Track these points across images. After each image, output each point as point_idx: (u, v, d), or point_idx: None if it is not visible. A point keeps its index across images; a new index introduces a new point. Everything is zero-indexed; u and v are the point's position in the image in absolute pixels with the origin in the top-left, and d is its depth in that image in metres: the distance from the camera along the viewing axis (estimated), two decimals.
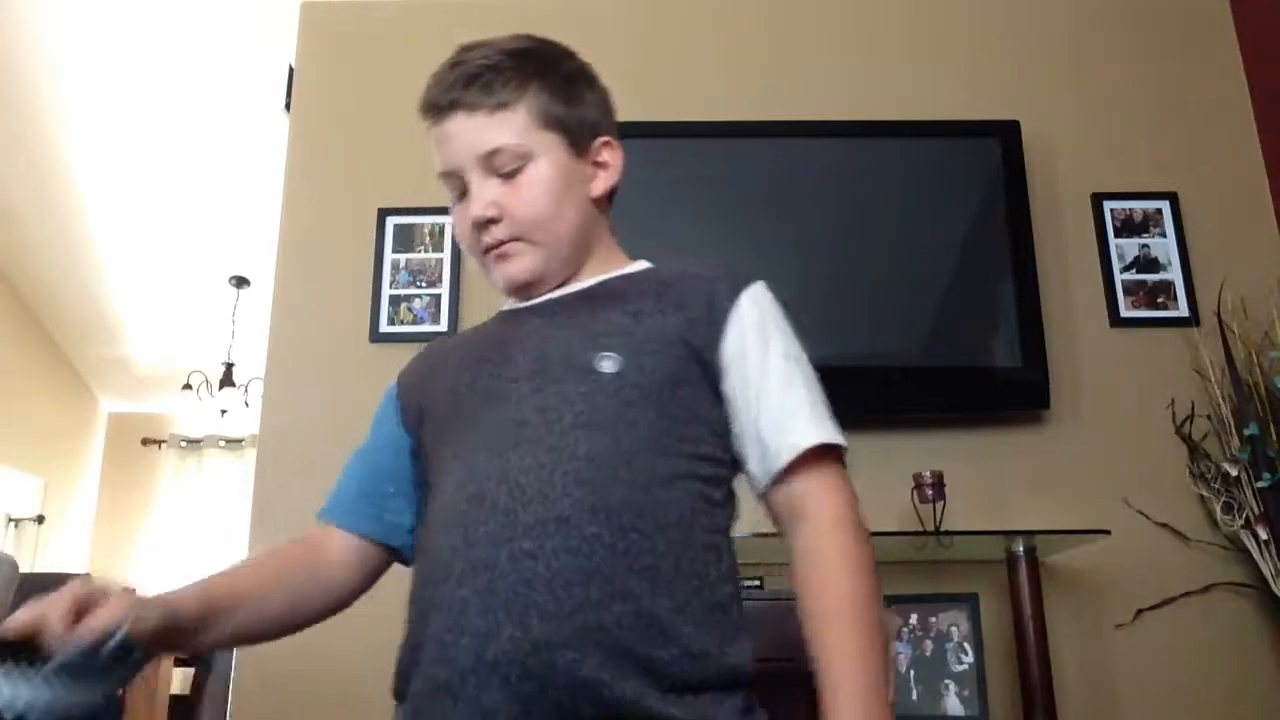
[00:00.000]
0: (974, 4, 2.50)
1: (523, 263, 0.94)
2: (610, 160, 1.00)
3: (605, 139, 1.00)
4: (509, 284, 0.96)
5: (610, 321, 0.90)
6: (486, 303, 1.00)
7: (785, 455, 0.86)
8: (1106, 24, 2.48)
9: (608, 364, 0.86)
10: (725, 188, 2.25)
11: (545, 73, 0.96)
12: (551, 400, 0.85)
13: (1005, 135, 2.27)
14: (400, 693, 0.85)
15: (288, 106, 2.46)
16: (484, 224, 0.93)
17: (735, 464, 0.90)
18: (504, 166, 0.93)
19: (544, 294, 0.97)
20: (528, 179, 0.93)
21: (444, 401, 0.94)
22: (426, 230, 2.30)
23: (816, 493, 0.87)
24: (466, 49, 0.96)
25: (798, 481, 0.86)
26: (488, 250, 0.95)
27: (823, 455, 0.87)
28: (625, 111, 2.55)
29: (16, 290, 5.14)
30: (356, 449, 1.02)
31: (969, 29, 2.47)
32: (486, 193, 0.93)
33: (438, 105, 0.95)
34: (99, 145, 4.23)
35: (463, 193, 0.95)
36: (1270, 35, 2.39)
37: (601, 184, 0.99)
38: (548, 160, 0.94)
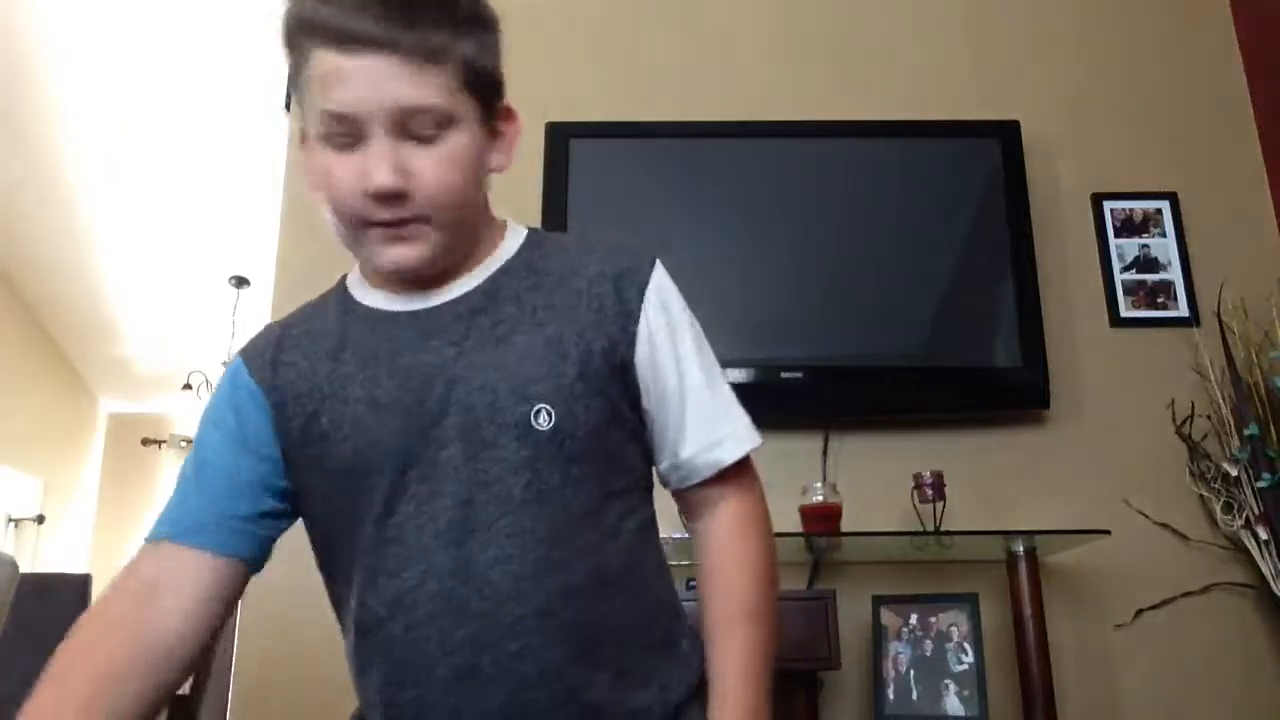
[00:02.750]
0: (974, 4, 2.50)
1: (420, 249, 0.79)
2: (509, 131, 0.85)
3: (506, 103, 0.85)
4: (399, 268, 0.81)
5: (533, 357, 0.79)
6: None
7: (705, 471, 0.86)
8: (1106, 24, 2.48)
9: (543, 418, 0.78)
10: (725, 188, 2.25)
11: (474, 18, 0.81)
12: (492, 469, 0.77)
13: (1005, 135, 2.27)
14: None
15: (288, 106, 2.46)
16: (387, 196, 0.76)
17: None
18: (421, 130, 0.77)
19: (422, 278, 0.83)
20: (446, 152, 0.78)
21: (350, 447, 0.79)
22: None
23: (727, 492, 0.87)
24: None
25: (711, 484, 0.87)
26: (381, 224, 0.78)
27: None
28: (626, 112, 2.55)
29: (17, 290, 5.14)
30: (204, 450, 0.85)
31: (969, 29, 2.47)
32: (400, 158, 0.76)
33: (349, 34, 0.75)
34: (98, 145, 4.23)
35: (352, 142, 0.77)
36: (1270, 35, 2.39)
37: (503, 158, 0.85)
38: (467, 131, 0.79)
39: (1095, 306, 2.25)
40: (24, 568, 2.72)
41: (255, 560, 0.85)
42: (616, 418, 0.82)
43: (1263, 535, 1.99)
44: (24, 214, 4.60)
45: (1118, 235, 2.29)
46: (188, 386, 5.31)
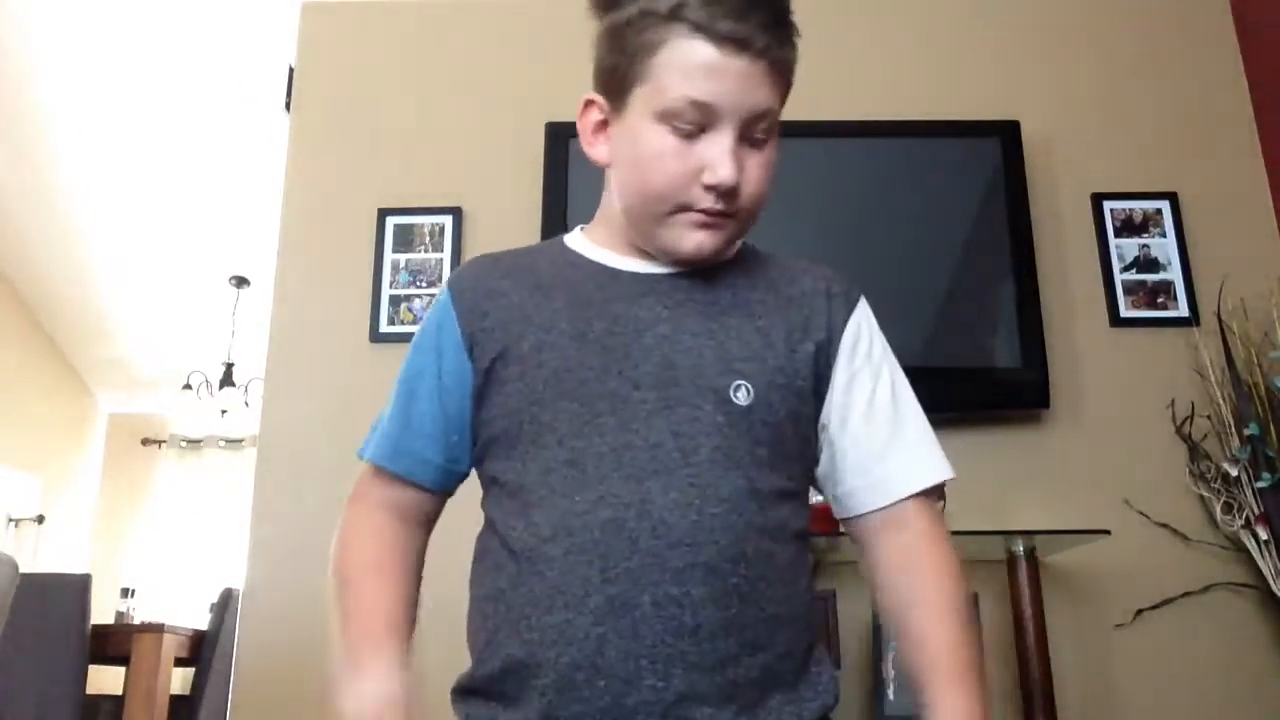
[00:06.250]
0: (974, 4, 2.50)
1: (720, 238, 0.84)
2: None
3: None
4: (699, 253, 0.84)
5: (741, 339, 0.84)
6: None
7: (900, 492, 0.86)
8: (1107, 24, 2.48)
9: (741, 395, 0.81)
10: None
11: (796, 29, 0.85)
12: (684, 424, 0.80)
13: (1005, 135, 2.27)
14: (469, 693, 0.83)
15: (288, 106, 2.46)
16: (725, 191, 0.81)
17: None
18: (758, 134, 0.82)
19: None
20: (767, 159, 0.84)
21: (548, 370, 0.82)
22: (426, 230, 2.30)
23: (918, 512, 0.86)
24: None
25: (902, 505, 0.86)
26: (700, 211, 0.82)
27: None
28: None
29: (16, 290, 5.15)
30: (412, 377, 0.90)
31: (969, 29, 2.47)
32: (742, 158, 0.82)
33: (735, 36, 0.78)
34: (98, 145, 4.23)
35: (696, 131, 0.81)
36: (1270, 35, 2.39)
37: None
38: (775, 139, 0.85)
39: (1095, 306, 2.25)
40: (24, 568, 2.73)
41: (450, 491, 0.93)
42: (801, 420, 0.86)
43: (1263, 535, 1.99)
44: (23, 215, 4.60)
45: (1118, 235, 2.29)
46: (188, 386, 5.31)
